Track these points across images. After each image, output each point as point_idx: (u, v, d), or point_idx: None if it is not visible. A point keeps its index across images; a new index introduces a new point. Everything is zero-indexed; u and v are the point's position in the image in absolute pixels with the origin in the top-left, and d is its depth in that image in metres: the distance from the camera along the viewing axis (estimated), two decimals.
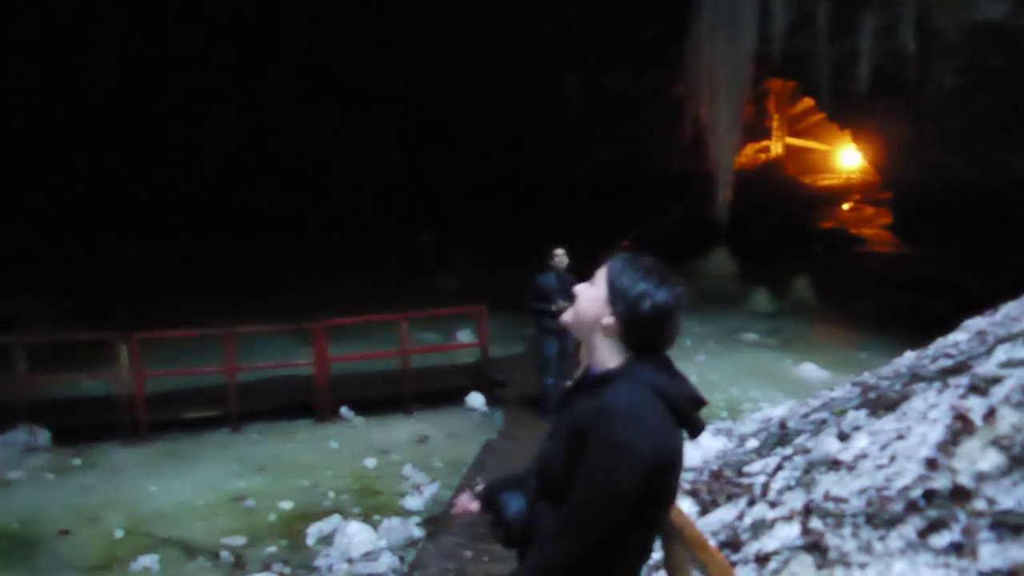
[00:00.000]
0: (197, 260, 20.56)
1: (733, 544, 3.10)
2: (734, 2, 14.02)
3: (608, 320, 1.85)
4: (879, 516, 2.48)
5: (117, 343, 9.96)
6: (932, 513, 2.32)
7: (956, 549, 2.13)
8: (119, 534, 7.47)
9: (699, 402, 1.86)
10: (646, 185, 22.64)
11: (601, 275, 1.92)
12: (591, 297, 1.90)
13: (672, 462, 1.77)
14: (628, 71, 21.59)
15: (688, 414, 1.82)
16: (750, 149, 31.81)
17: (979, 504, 2.28)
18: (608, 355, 1.87)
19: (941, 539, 2.21)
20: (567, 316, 1.97)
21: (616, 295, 1.85)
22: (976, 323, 5.03)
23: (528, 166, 24.14)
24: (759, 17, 13.65)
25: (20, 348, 9.77)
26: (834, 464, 3.44)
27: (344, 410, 10.60)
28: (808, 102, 28.84)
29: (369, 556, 6.64)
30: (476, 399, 10.93)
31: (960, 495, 2.33)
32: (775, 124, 33.83)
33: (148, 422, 9.90)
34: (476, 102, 22.87)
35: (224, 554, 7.07)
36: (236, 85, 22.14)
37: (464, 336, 13.67)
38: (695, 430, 1.84)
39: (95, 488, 8.52)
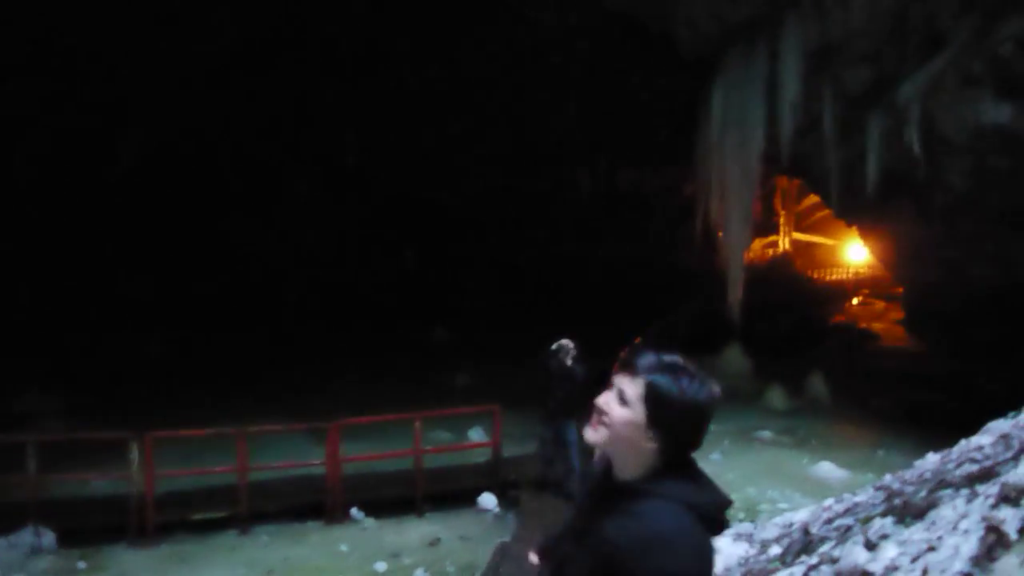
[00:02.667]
0: (213, 357, 20.57)
1: None
2: (743, 105, 14.35)
3: (648, 444, 1.80)
4: None
5: (129, 442, 9.89)
6: None
7: None
8: None
9: (726, 505, 1.85)
10: (658, 281, 22.76)
11: (634, 392, 1.80)
12: (626, 421, 1.80)
13: (704, 570, 1.77)
14: (640, 168, 22.03)
15: (717, 520, 1.82)
16: (758, 244, 32.10)
17: None
18: (639, 465, 1.83)
19: None
20: (595, 437, 1.87)
21: (659, 420, 1.78)
22: (999, 425, 4.96)
23: (541, 263, 24.36)
24: (767, 119, 13.94)
25: (32, 446, 9.70)
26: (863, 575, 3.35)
27: (355, 511, 10.43)
28: (814, 197, 29.24)
29: None
30: (488, 500, 10.75)
31: None
32: (782, 220, 34.23)
33: (156, 523, 9.74)
34: (490, 198, 23.25)
35: None
36: (254, 183, 22.63)
37: (476, 435, 13.52)
38: (720, 530, 1.84)
39: None
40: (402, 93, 20.03)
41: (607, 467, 1.93)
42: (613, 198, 23.51)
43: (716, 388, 1.85)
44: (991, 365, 14.14)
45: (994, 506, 3.05)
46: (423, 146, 21.89)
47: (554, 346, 10.15)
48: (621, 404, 1.82)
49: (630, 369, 1.83)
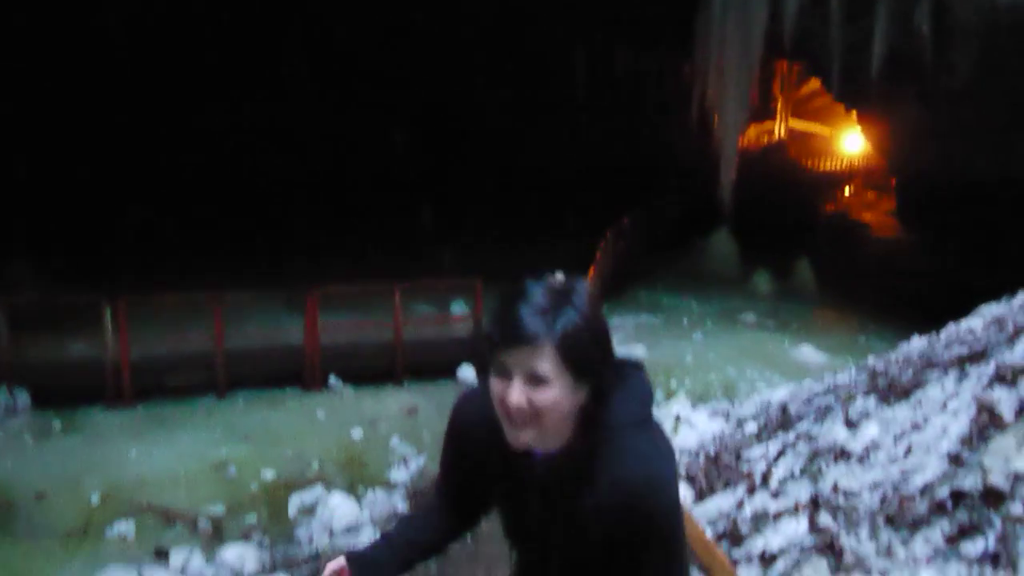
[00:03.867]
0: (197, 228, 20.26)
1: (733, 536, 2.89)
2: None
3: (583, 397, 1.41)
4: (900, 517, 2.26)
5: (103, 306, 9.70)
6: (962, 516, 2.10)
7: (992, 559, 1.92)
8: (96, 499, 7.29)
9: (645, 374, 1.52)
10: (651, 166, 22.38)
11: (548, 365, 1.37)
12: (556, 400, 1.38)
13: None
14: (637, 49, 21.30)
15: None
16: (753, 131, 31.58)
17: (1015, 508, 2.05)
18: (569, 426, 1.44)
19: (974, 546, 1.99)
20: (527, 438, 1.42)
21: (585, 370, 1.38)
22: (992, 309, 4.80)
23: (533, 145, 23.86)
24: None
25: (3, 308, 9.51)
26: (842, 454, 3.22)
27: (333, 379, 10.38)
28: (813, 84, 28.58)
29: (351, 529, 6.45)
30: (469, 372, 10.71)
31: (993, 497, 2.11)
32: (780, 106, 33.60)
33: (132, 387, 9.67)
34: (482, 79, 22.54)
35: (203, 522, 6.89)
36: (242, 58, 21.80)
37: (459, 309, 13.42)
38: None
39: (74, 452, 8.32)
40: None
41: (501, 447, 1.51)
42: (608, 80, 22.83)
43: (586, 281, 1.44)
44: (979, 258, 14.03)
45: (987, 386, 2.89)
46: (413, 26, 21.00)
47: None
48: (539, 387, 1.39)
49: (526, 343, 1.38)
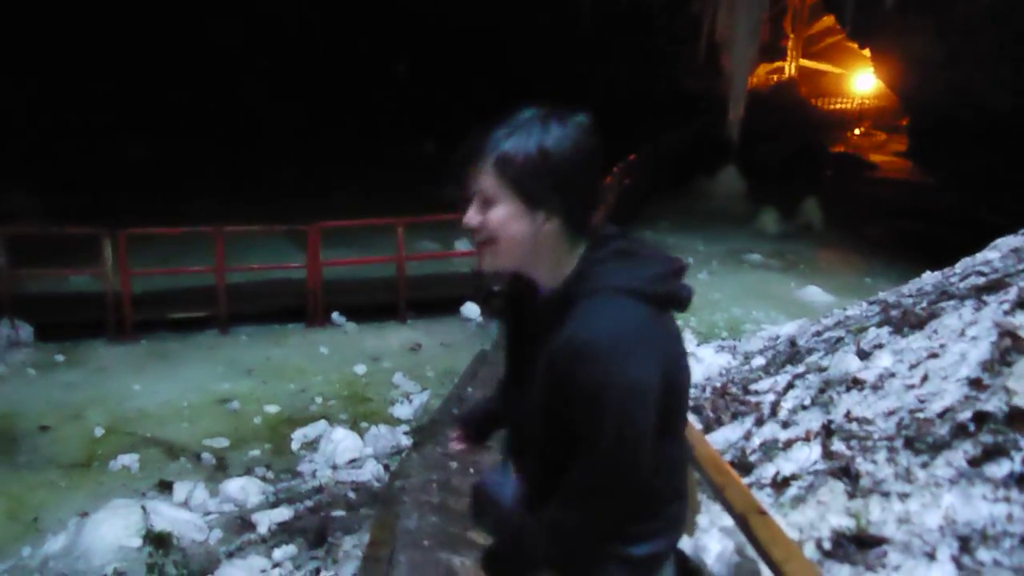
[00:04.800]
0: (197, 161, 20.06)
1: (742, 465, 2.82)
2: None
3: (545, 228, 1.39)
4: (919, 440, 2.17)
5: (103, 239, 9.60)
6: (986, 438, 2.01)
7: (1018, 480, 1.84)
8: (100, 432, 7.29)
9: (680, 269, 1.46)
10: (659, 103, 22.02)
11: (491, 181, 1.37)
12: (504, 219, 1.38)
13: (676, 376, 1.44)
14: None
15: (673, 295, 1.43)
16: (763, 70, 31.10)
17: None
18: (558, 263, 1.43)
19: (999, 468, 1.91)
20: (491, 263, 1.45)
21: (535, 193, 1.36)
22: (1009, 241, 4.67)
23: (538, 80, 23.47)
24: None
25: (1, 240, 9.42)
26: (855, 383, 3.14)
27: (336, 316, 10.33)
28: (825, 22, 28.01)
29: (354, 463, 6.43)
30: (471, 309, 10.64)
31: (1019, 419, 2.02)
32: (790, 44, 33.00)
33: (134, 321, 9.64)
34: (487, 13, 22.07)
35: (206, 456, 6.89)
36: None
37: (462, 246, 13.29)
38: (683, 303, 1.46)
39: (78, 385, 8.32)
40: None
41: (521, 285, 1.52)
42: (615, 13, 22.33)
43: (583, 118, 1.41)
44: (992, 196, 13.83)
45: (1008, 312, 2.78)
46: None
47: None
48: (487, 207, 1.40)
49: (474, 155, 1.39)
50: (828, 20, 27.59)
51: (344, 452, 6.61)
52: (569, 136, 1.37)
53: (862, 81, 34.40)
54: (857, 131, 34.59)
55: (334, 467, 6.47)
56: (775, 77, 33.22)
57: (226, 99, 22.32)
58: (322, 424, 7.33)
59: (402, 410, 7.82)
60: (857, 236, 16.52)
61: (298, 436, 7.20)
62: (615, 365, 1.30)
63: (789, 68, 33.52)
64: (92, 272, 9.91)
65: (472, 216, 1.41)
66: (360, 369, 8.80)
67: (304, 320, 10.20)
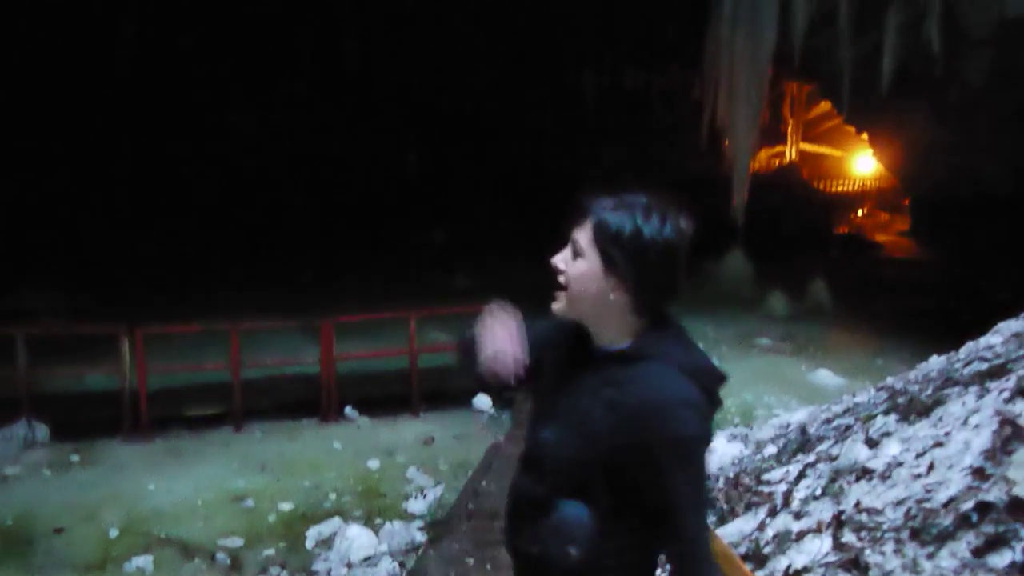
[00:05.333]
0: (211, 255, 20.40)
1: (756, 558, 2.85)
2: (754, 0, 13.78)
3: (615, 296, 1.57)
4: (925, 531, 2.23)
5: (120, 337, 9.77)
6: (988, 528, 2.07)
7: (1021, 569, 1.89)
8: (115, 533, 7.29)
9: (723, 377, 1.64)
10: (662, 186, 22.38)
11: (585, 238, 1.58)
12: (582, 273, 1.57)
13: (708, 435, 1.64)
14: (646, 70, 21.43)
15: (714, 391, 1.62)
16: (764, 154, 31.60)
17: None
18: (617, 331, 1.60)
19: (1001, 558, 1.96)
20: (557, 306, 1.64)
21: (616, 262, 1.55)
22: (1011, 326, 4.76)
23: (542, 165, 24.00)
24: (779, 14, 13.37)
25: (21, 339, 9.58)
26: (864, 472, 3.19)
27: (349, 410, 10.39)
28: (823, 107, 28.65)
29: (369, 561, 6.42)
30: (483, 401, 10.70)
31: (1019, 509, 2.08)
32: (790, 128, 33.61)
33: (150, 418, 9.71)
34: (492, 101, 22.72)
35: (221, 556, 6.88)
36: (252, 81, 22.07)
37: None
38: (717, 405, 1.64)
39: (93, 485, 8.33)
40: None
41: (575, 334, 1.68)
42: (618, 100, 22.96)
43: (685, 223, 1.61)
44: (996, 272, 13.93)
45: (1008, 400, 2.86)
46: (424, 48, 21.22)
47: None
48: (576, 257, 1.60)
49: (582, 214, 1.60)
50: (826, 105, 28.24)
51: (359, 550, 6.60)
52: (664, 231, 1.56)
53: (862, 163, 34.88)
54: (860, 212, 34.95)
55: (349, 565, 6.46)
56: (777, 161, 33.73)
57: (237, 191, 22.81)
58: (336, 521, 7.32)
59: (416, 505, 7.81)
60: (866, 316, 16.55)
61: (312, 534, 7.18)
62: (690, 420, 1.50)
63: (790, 152, 34.05)
64: (109, 371, 10.03)
65: (560, 259, 1.62)
66: (374, 464, 8.81)
67: (318, 415, 10.25)
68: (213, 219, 21.96)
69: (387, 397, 10.65)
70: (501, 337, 1.69)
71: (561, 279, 1.61)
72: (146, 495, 8.07)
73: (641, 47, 20.17)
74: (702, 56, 16.66)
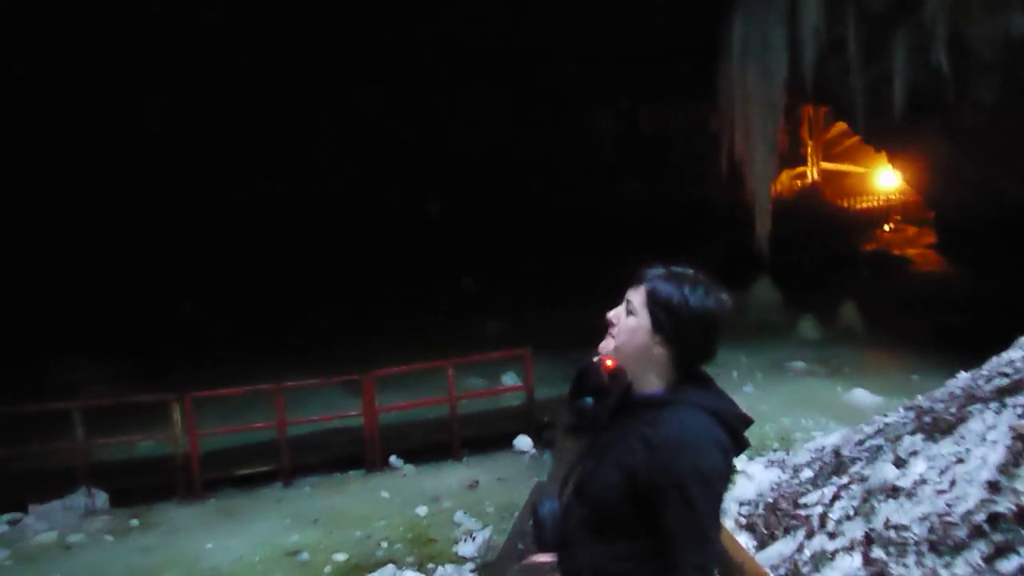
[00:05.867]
0: (243, 316, 20.85)
1: None
2: (764, 34, 14.08)
3: (657, 351, 1.86)
4: (943, 543, 2.43)
5: (170, 404, 10.13)
6: (998, 537, 2.27)
7: None
8: None
9: (747, 420, 1.93)
10: (685, 220, 22.61)
11: (638, 300, 1.88)
12: (632, 328, 1.87)
13: (724, 487, 1.87)
14: (662, 107, 21.78)
15: (739, 432, 1.88)
16: (786, 176, 31.64)
17: None
18: (655, 379, 1.90)
19: (1009, 564, 2.16)
20: (606, 346, 1.94)
21: (662, 323, 1.84)
22: None
23: (566, 207, 24.29)
24: (789, 47, 13.66)
25: (78, 413, 9.97)
26: (893, 491, 3.37)
27: (394, 459, 10.63)
28: (842, 125, 28.75)
29: None
30: (524, 442, 10.89)
31: None
32: (810, 150, 33.65)
33: (202, 480, 10.02)
34: (512, 146, 23.13)
35: None
36: (275, 144, 22.68)
37: (509, 380, 13.64)
38: (743, 447, 1.90)
39: (154, 548, 8.61)
40: (418, 43, 19.86)
41: (626, 385, 1.98)
42: (636, 139, 23.30)
43: (725, 297, 1.90)
44: None
45: (1022, 415, 3.05)
46: (442, 94, 21.74)
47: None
48: (628, 314, 1.89)
49: (637, 280, 1.91)
50: (844, 124, 28.36)
51: None
52: (706, 304, 1.85)
53: (885, 178, 34.70)
54: (887, 227, 34.79)
55: None
56: (799, 182, 33.73)
57: (267, 253, 23.25)
58: (390, 568, 7.52)
59: (466, 548, 7.98)
60: (899, 334, 16.55)
61: None
62: (704, 457, 1.76)
63: (811, 172, 34.07)
64: (161, 437, 10.38)
65: (614, 314, 1.92)
66: (422, 511, 9.02)
67: (364, 466, 10.51)
68: (243, 281, 22.43)
69: (430, 445, 10.89)
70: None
71: (612, 331, 1.91)
72: (205, 555, 8.33)
73: (655, 86, 20.53)
74: (716, 90, 16.97)
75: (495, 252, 24.56)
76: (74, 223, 20.21)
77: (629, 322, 1.88)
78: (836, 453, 5.12)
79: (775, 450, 8.81)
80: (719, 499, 1.80)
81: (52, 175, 19.13)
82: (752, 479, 5.54)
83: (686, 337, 1.84)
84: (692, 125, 22.87)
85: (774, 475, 5.59)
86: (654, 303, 1.85)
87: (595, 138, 23.19)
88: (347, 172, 23.99)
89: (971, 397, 4.20)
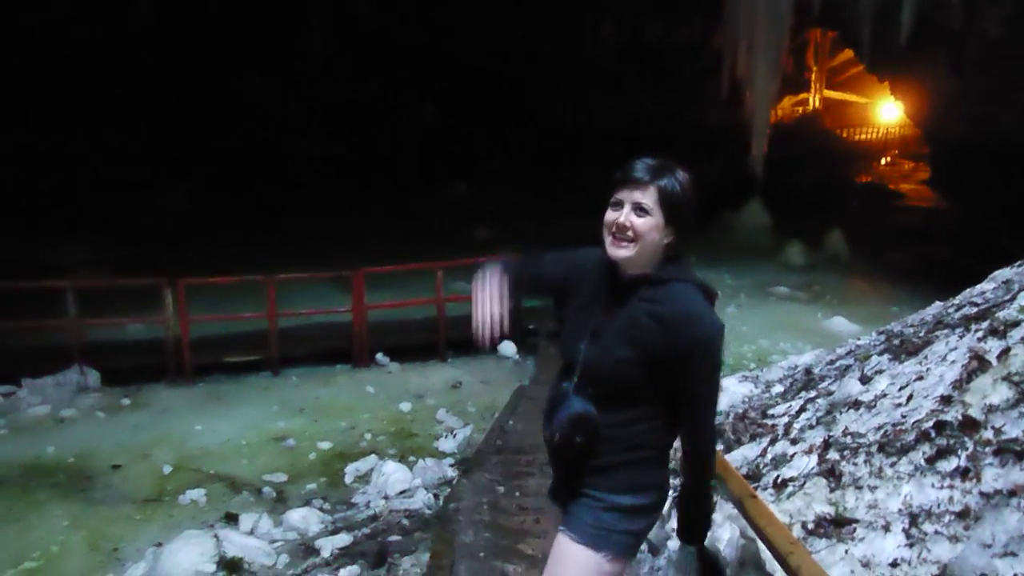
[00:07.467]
0: (236, 213, 20.84)
1: (754, 476, 3.27)
2: None
3: (668, 240, 2.04)
4: (891, 445, 2.63)
5: (163, 288, 10.28)
6: (941, 442, 2.46)
7: (962, 473, 2.28)
8: (168, 469, 7.84)
9: (716, 294, 2.15)
10: (682, 137, 22.48)
11: (651, 200, 2.00)
12: (652, 227, 2.01)
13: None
14: (666, 20, 21.39)
15: (713, 303, 2.11)
16: (787, 102, 31.40)
17: (986, 434, 2.42)
18: (649, 262, 2.06)
19: (948, 464, 2.36)
20: (626, 252, 2.03)
21: (676, 217, 2.02)
22: (1004, 273, 5.09)
23: (563, 117, 24.09)
24: None
25: (70, 292, 10.12)
26: (855, 404, 3.57)
27: (380, 356, 10.88)
28: (848, 54, 28.40)
29: (405, 493, 6.91)
30: (508, 347, 11.13)
31: (969, 425, 2.47)
32: (814, 76, 33.29)
33: (192, 365, 10.25)
34: (512, 53, 22.77)
35: (267, 490, 7.40)
36: (272, 38, 22.25)
37: None
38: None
39: (144, 426, 8.90)
40: None
41: (606, 269, 2.13)
42: (638, 52, 22.94)
43: (690, 176, 2.09)
44: (1013, 222, 14.08)
45: (981, 339, 3.23)
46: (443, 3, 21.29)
47: None
48: (641, 215, 2.02)
49: (637, 184, 2.02)
50: (850, 52, 28.02)
51: (395, 484, 7.09)
52: (690, 184, 2.06)
53: (887, 110, 34.47)
54: (883, 161, 34.76)
55: (386, 497, 6.95)
56: (800, 109, 33.49)
57: (261, 148, 23.09)
58: (373, 458, 7.82)
59: (447, 444, 8.30)
60: (883, 265, 16.79)
61: (351, 470, 7.69)
62: (714, 323, 2.00)
63: (813, 99, 33.81)
64: (154, 320, 10.56)
65: (627, 218, 2.01)
66: (405, 407, 9.32)
67: (351, 361, 10.76)
68: (237, 175, 22.32)
69: (416, 344, 11.13)
70: (484, 306, 2.28)
71: (629, 233, 2.02)
72: (194, 435, 8.63)
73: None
74: (722, 5, 16.70)
75: (489, 160, 24.45)
76: (68, 114, 19.99)
77: (647, 222, 2.01)
78: (807, 371, 5.34)
79: (751, 369, 9.08)
80: (722, 359, 2.04)
81: (46, 64, 18.80)
82: (725, 391, 5.77)
83: (687, 223, 2.05)
84: (696, 41, 22.50)
85: (747, 389, 5.82)
86: (667, 201, 2.01)
87: (598, 50, 22.82)
88: (343, 73, 23.64)
89: (940, 323, 4.39)
